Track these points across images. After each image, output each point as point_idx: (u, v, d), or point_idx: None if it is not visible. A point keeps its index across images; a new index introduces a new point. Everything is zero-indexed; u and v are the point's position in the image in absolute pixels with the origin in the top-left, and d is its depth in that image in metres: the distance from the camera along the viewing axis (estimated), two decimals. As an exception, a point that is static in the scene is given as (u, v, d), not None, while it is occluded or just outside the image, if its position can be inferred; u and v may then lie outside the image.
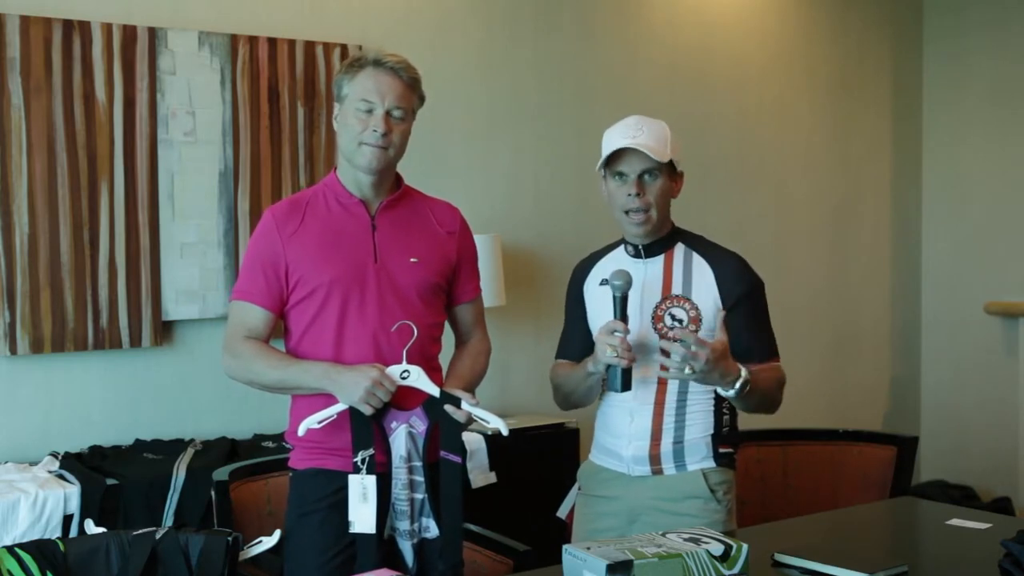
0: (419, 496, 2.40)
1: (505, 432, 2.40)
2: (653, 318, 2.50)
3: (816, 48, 5.57)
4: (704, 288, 2.50)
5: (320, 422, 2.35)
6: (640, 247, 2.57)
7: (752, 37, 5.32)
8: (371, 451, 2.33)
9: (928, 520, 2.79)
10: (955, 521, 2.56)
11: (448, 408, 2.37)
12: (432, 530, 2.41)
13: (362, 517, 2.34)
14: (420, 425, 2.38)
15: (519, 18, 4.59)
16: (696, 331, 2.46)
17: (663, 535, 2.12)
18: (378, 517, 2.35)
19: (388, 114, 2.41)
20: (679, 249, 2.56)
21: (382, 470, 2.36)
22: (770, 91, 5.40)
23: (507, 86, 4.56)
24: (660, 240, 2.56)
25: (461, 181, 4.38)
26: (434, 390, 2.38)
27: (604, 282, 2.56)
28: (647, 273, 2.54)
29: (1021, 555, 2.17)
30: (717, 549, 2.04)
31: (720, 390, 2.43)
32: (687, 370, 2.33)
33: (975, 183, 5.77)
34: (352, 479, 2.34)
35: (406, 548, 2.41)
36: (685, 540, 2.07)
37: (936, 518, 2.71)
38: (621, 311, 2.42)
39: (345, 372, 2.34)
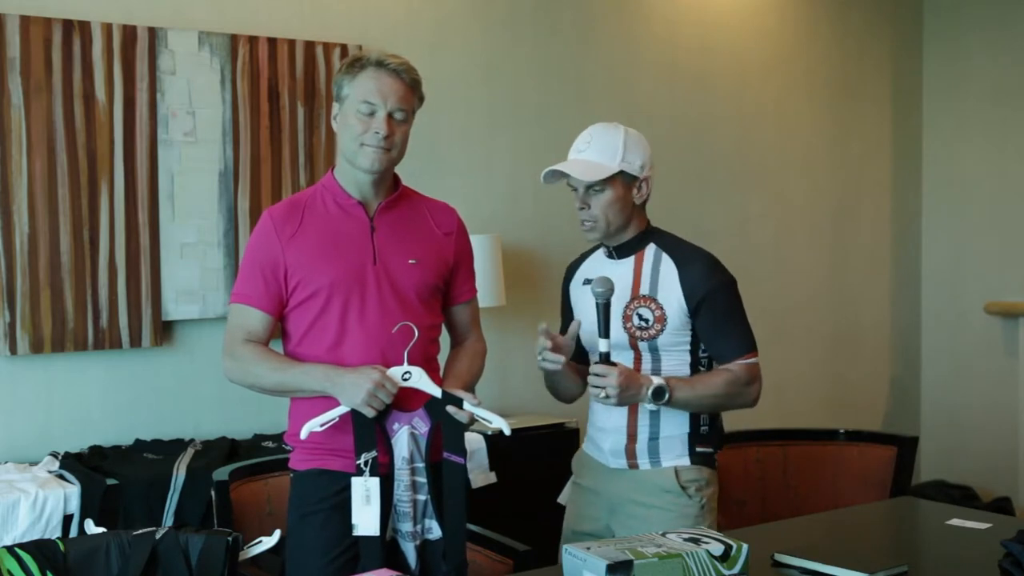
0: (422, 497, 2.40)
1: (507, 432, 2.41)
2: (623, 318, 2.57)
3: (816, 48, 5.57)
4: (669, 288, 2.56)
5: (322, 425, 2.34)
6: (612, 248, 2.65)
7: (752, 37, 5.32)
8: (374, 453, 2.33)
9: (928, 520, 2.79)
10: (955, 521, 2.57)
11: (450, 409, 2.37)
12: (435, 531, 2.41)
13: (365, 519, 2.34)
14: (422, 426, 2.37)
15: (519, 19, 4.59)
16: (662, 330, 2.55)
17: (663, 535, 2.12)
18: (380, 519, 2.35)
19: (390, 116, 2.41)
20: (650, 250, 2.62)
21: (384, 472, 2.36)
22: (770, 91, 5.40)
23: (507, 87, 4.56)
24: (630, 241, 2.63)
25: (461, 181, 4.38)
26: (436, 391, 2.38)
27: (587, 282, 2.64)
28: (619, 273, 2.60)
29: (1021, 555, 2.17)
30: (717, 549, 2.04)
31: (647, 405, 2.51)
32: (602, 395, 2.44)
33: (975, 183, 5.77)
34: (355, 481, 2.34)
35: (408, 550, 2.40)
36: (685, 540, 2.08)
37: (936, 518, 2.71)
38: (604, 320, 2.45)
39: (346, 375, 2.34)
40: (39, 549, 2.14)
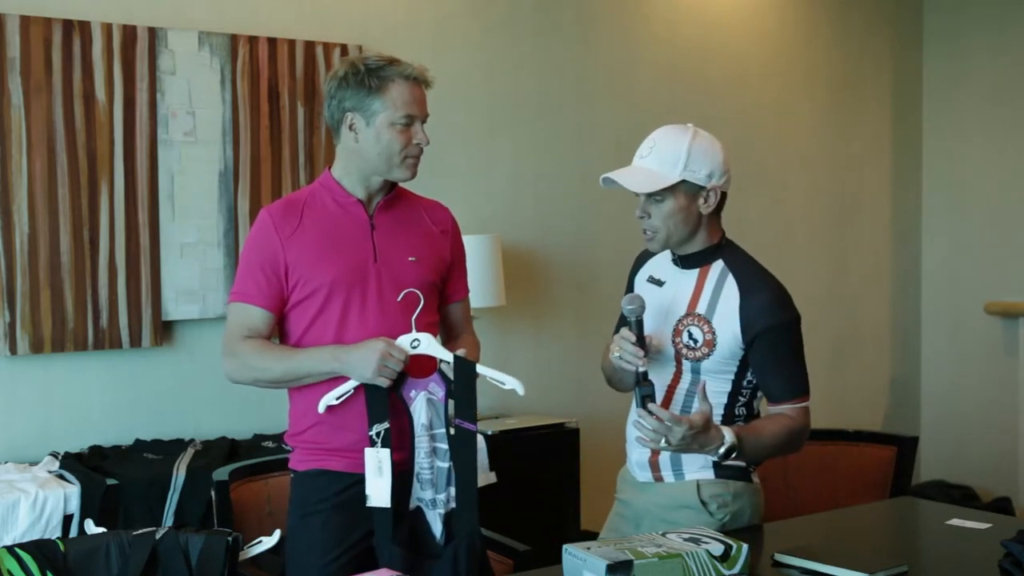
0: (443, 464, 2.38)
1: (521, 391, 2.38)
2: (674, 332, 2.46)
3: (816, 48, 5.57)
4: (727, 314, 2.42)
5: (338, 398, 2.36)
6: (678, 256, 2.52)
7: (752, 37, 5.32)
8: (386, 424, 2.33)
9: (928, 520, 2.79)
10: (955, 521, 2.56)
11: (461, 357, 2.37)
12: None
13: (377, 491, 2.34)
14: (439, 391, 2.37)
15: (519, 19, 4.59)
16: (708, 355, 2.42)
17: (663, 535, 2.12)
18: (400, 489, 2.35)
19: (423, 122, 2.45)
20: (717, 266, 2.48)
21: (401, 457, 2.36)
22: (770, 91, 5.40)
23: (507, 87, 4.56)
24: (698, 253, 2.50)
25: (461, 181, 4.39)
26: (447, 355, 2.38)
27: (651, 279, 2.56)
28: (680, 283, 2.50)
29: (1021, 555, 2.17)
30: (717, 549, 2.04)
31: (711, 457, 2.38)
32: (662, 442, 2.28)
33: (975, 183, 5.77)
34: (368, 452, 2.34)
35: (433, 518, 2.39)
36: (685, 540, 2.08)
37: (936, 518, 2.71)
38: (638, 335, 2.38)
39: (352, 351, 2.35)
40: (39, 549, 2.14)
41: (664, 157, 2.43)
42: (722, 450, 2.32)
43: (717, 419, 2.44)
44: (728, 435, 2.32)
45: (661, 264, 2.58)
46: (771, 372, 2.43)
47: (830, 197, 5.65)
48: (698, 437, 2.28)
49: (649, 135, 2.50)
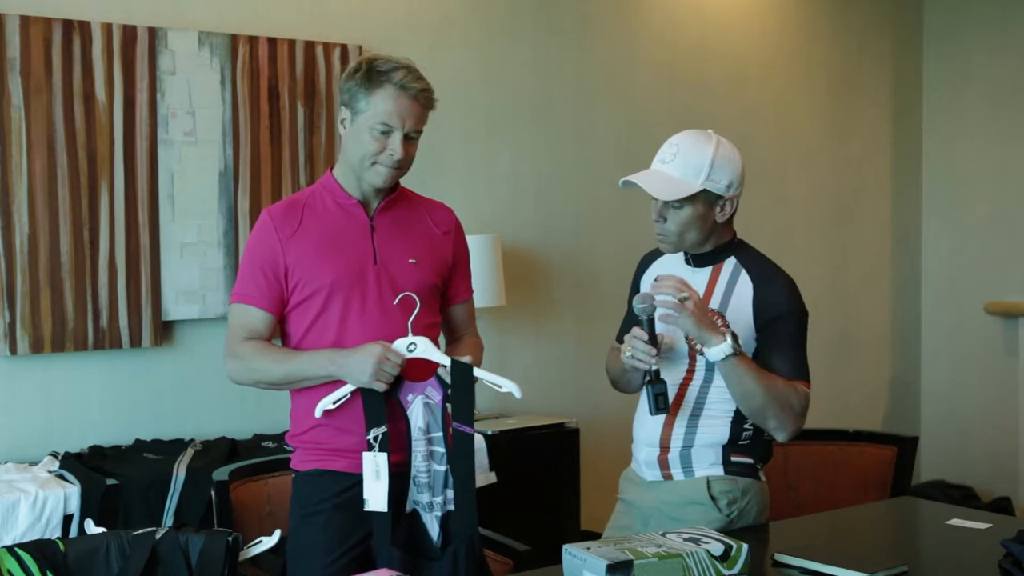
0: (440, 467, 2.38)
1: (518, 395, 2.39)
2: None
3: (816, 48, 5.57)
4: (740, 307, 2.45)
5: (335, 402, 2.36)
6: (689, 255, 2.55)
7: (752, 37, 5.32)
8: (384, 428, 2.33)
9: (928, 520, 2.79)
10: (955, 521, 2.56)
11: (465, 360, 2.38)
12: None
13: (375, 495, 2.34)
14: (436, 395, 2.37)
15: (519, 18, 4.59)
16: None
17: (663, 535, 2.12)
18: (398, 491, 2.35)
19: (406, 136, 2.40)
20: (729, 263, 2.52)
21: (399, 459, 2.36)
22: (770, 91, 5.40)
23: (507, 87, 4.56)
24: (710, 252, 2.53)
25: (461, 181, 4.39)
26: (444, 359, 2.38)
27: (659, 279, 2.54)
28: (693, 281, 2.49)
29: (1021, 555, 2.17)
30: (717, 549, 2.04)
31: (706, 351, 2.37)
32: (684, 294, 2.32)
33: (975, 183, 5.77)
34: (366, 456, 2.34)
35: (430, 521, 2.39)
36: (685, 540, 2.08)
37: (936, 518, 2.71)
38: (650, 334, 2.39)
39: (350, 356, 2.35)
40: (39, 549, 2.15)
41: (687, 165, 2.44)
42: (722, 344, 2.32)
43: (727, 414, 2.48)
44: (729, 336, 2.34)
45: (671, 264, 2.60)
46: (775, 351, 2.44)
47: (830, 197, 5.65)
48: (705, 309, 2.35)
49: (670, 139, 2.50)
